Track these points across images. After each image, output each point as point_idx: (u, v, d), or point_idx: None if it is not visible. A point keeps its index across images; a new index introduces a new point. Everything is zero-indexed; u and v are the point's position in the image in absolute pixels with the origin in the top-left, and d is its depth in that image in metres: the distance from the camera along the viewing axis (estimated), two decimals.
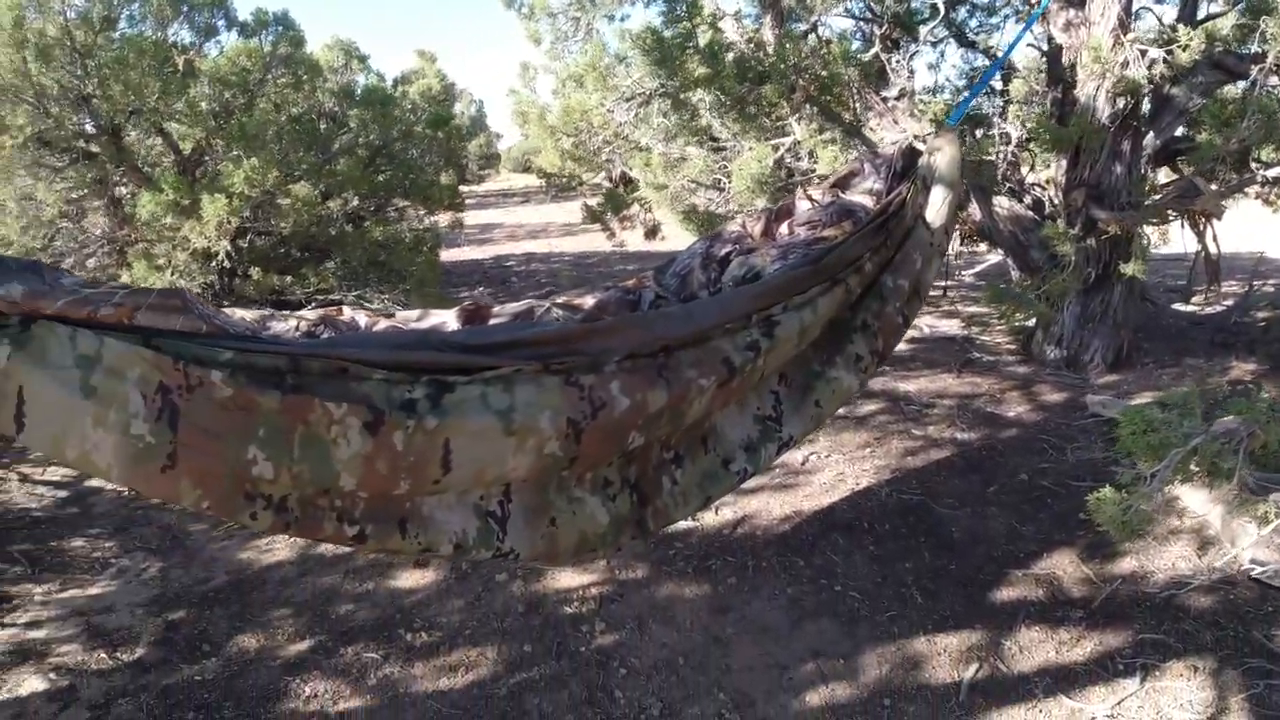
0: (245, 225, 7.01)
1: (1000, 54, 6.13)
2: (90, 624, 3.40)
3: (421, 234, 8.17)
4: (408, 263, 7.50)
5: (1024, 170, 5.92)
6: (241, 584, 3.60)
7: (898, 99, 5.48)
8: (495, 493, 2.28)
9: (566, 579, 3.42)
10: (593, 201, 8.31)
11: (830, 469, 4.24)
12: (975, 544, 3.56)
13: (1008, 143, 5.59)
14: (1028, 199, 5.54)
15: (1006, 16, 7.19)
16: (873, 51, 5.53)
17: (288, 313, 2.41)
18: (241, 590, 3.55)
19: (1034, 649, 2.98)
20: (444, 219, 9.18)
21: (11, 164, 7.30)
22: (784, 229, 2.94)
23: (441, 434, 2.02)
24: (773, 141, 5.28)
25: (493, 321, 2.54)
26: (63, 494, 4.75)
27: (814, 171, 5.36)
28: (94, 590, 3.67)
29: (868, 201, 3.02)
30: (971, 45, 7.10)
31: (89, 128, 7.39)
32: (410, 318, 2.53)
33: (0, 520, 4.39)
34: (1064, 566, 3.41)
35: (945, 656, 2.97)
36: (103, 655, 3.18)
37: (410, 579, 3.51)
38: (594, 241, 13.07)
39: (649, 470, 2.53)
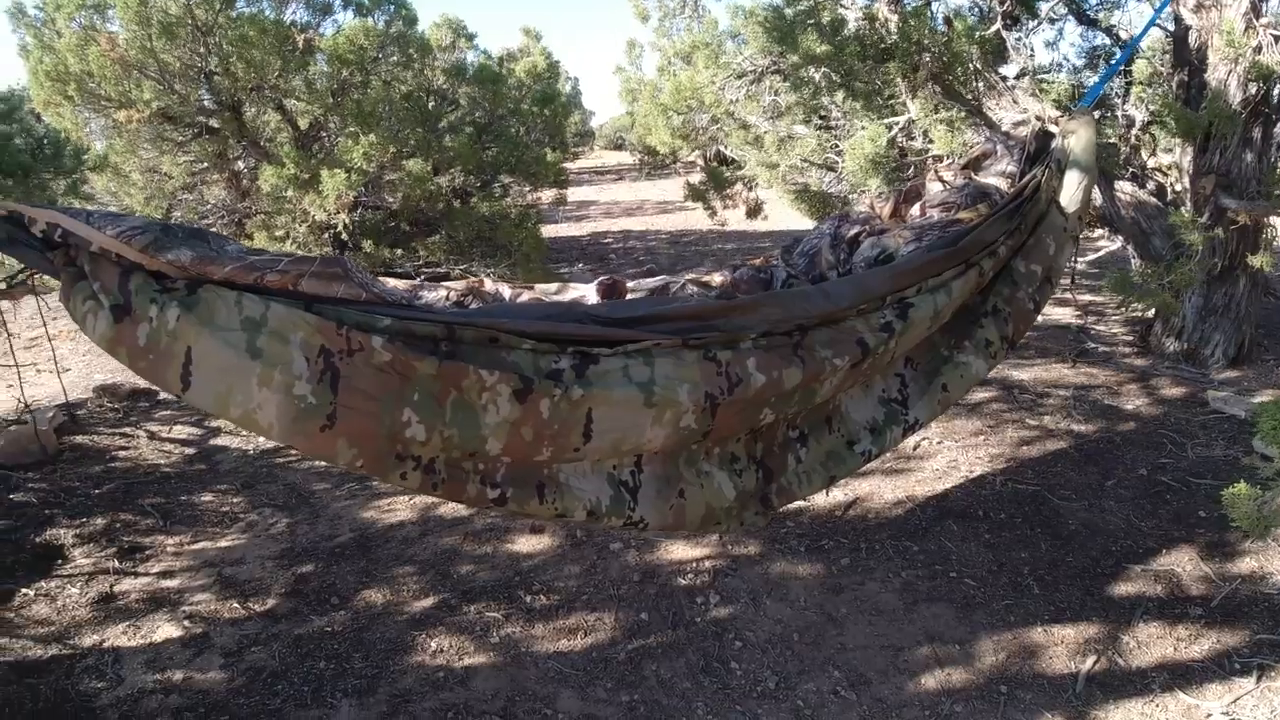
0: (358, 200, 7.22)
1: (1125, 34, 5.93)
2: (221, 575, 3.59)
3: (526, 210, 8.29)
4: (513, 238, 7.63)
5: (1144, 155, 5.72)
6: (366, 541, 3.75)
7: (1018, 78, 5.35)
8: (628, 463, 2.35)
9: (680, 551, 3.48)
10: (694, 179, 8.31)
11: (943, 455, 4.20)
12: (1092, 537, 3.49)
13: (1130, 126, 5.41)
14: (1150, 185, 5.35)
15: None
16: (993, 29, 5.40)
17: (437, 282, 2.49)
18: (366, 547, 3.70)
19: (1151, 644, 2.93)
20: (547, 195, 9.30)
21: (137, 137, 7.66)
22: (915, 210, 2.92)
23: (585, 404, 2.08)
24: (886, 120, 5.21)
25: (630, 297, 2.60)
26: (189, 451, 5.00)
27: (927, 152, 5.28)
28: (224, 543, 3.87)
29: (1002, 184, 2.98)
30: (1091, 23, 6.86)
31: (209, 103, 7.69)
32: (550, 290, 2.60)
33: (131, 475, 4.65)
34: (1183, 564, 3.33)
35: (1062, 647, 2.94)
36: (235, 605, 3.36)
37: (527, 544, 3.61)
38: (689, 220, 13.07)
39: (774, 448, 2.57)
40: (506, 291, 2.51)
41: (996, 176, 3.01)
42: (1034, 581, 3.25)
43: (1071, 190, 2.92)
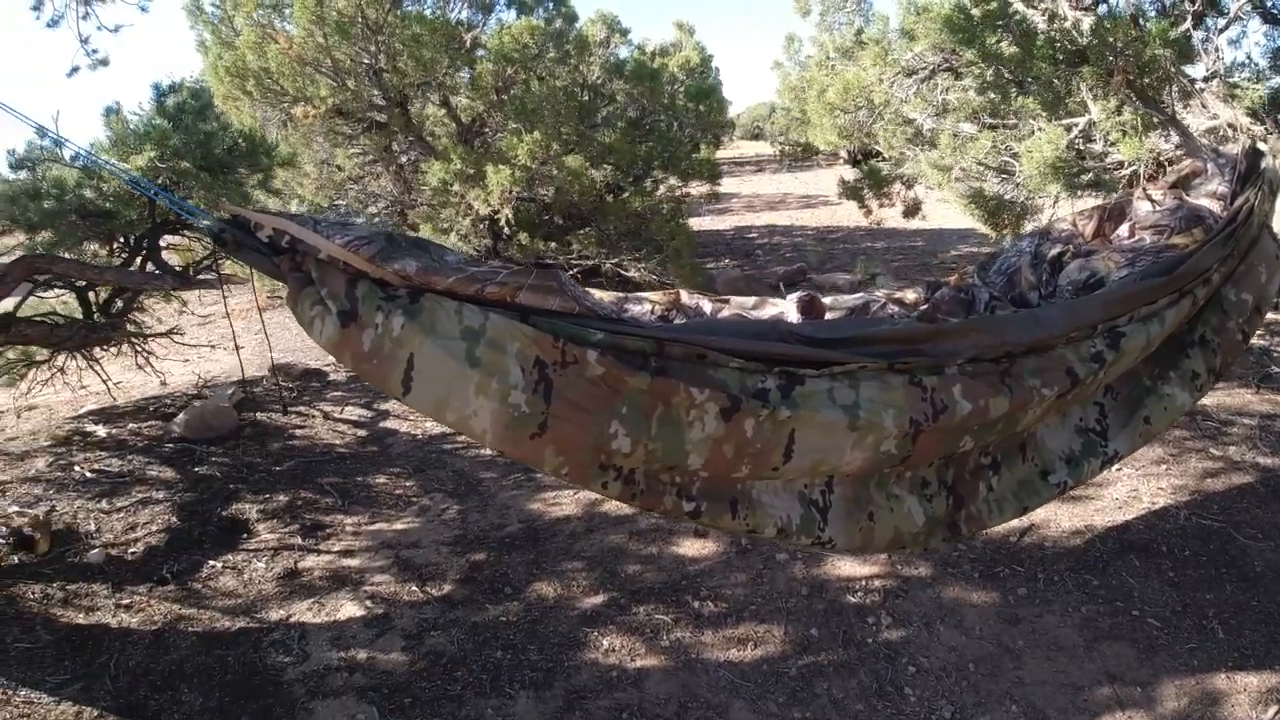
0: (517, 194, 7.40)
1: None
2: (399, 557, 3.76)
3: (677, 205, 8.32)
4: (665, 233, 7.68)
5: None
6: (534, 533, 3.86)
7: (1206, 80, 5.03)
8: (819, 482, 2.34)
9: (848, 567, 3.45)
10: (843, 174, 8.16)
11: (1123, 484, 4.01)
12: (1279, 580, 3.29)
13: None
14: None
15: None
16: (1182, 28, 5.09)
17: (640, 294, 2.54)
18: (535, 539, 3.81)
19: None
20: (698, 190, 9.32)
21: (311, 131, 8.05)
22: (1124, 230, 2.79)
23: (789, 424, 2.09)
24: (1064, 121, 4.98)
25: (829, 315, 2.58)
26: (362, 433, 5.25)
27: (1107, 156, 5.03)
28: (399, 525, 4.05)
29: (1214, 206, 2.81)
30: (1276, 22, 6.38)
31: (379, 99, 8.01)
32: (747, 305, 2.61)
33: (309, 454, 4.91)
34: None
35: (1245, 695, 2.79)
36: (413, 588, 3.51)
37: (693, 547, 3.65)
38: (836, 215, 12.83)
39: (966, 474, 2.51)
40: (707, 306, 2.53)
41: (1207, 198, 2.84)
42: (1219, 625, 3.08)
43: None
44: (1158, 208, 2.82)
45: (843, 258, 10.09)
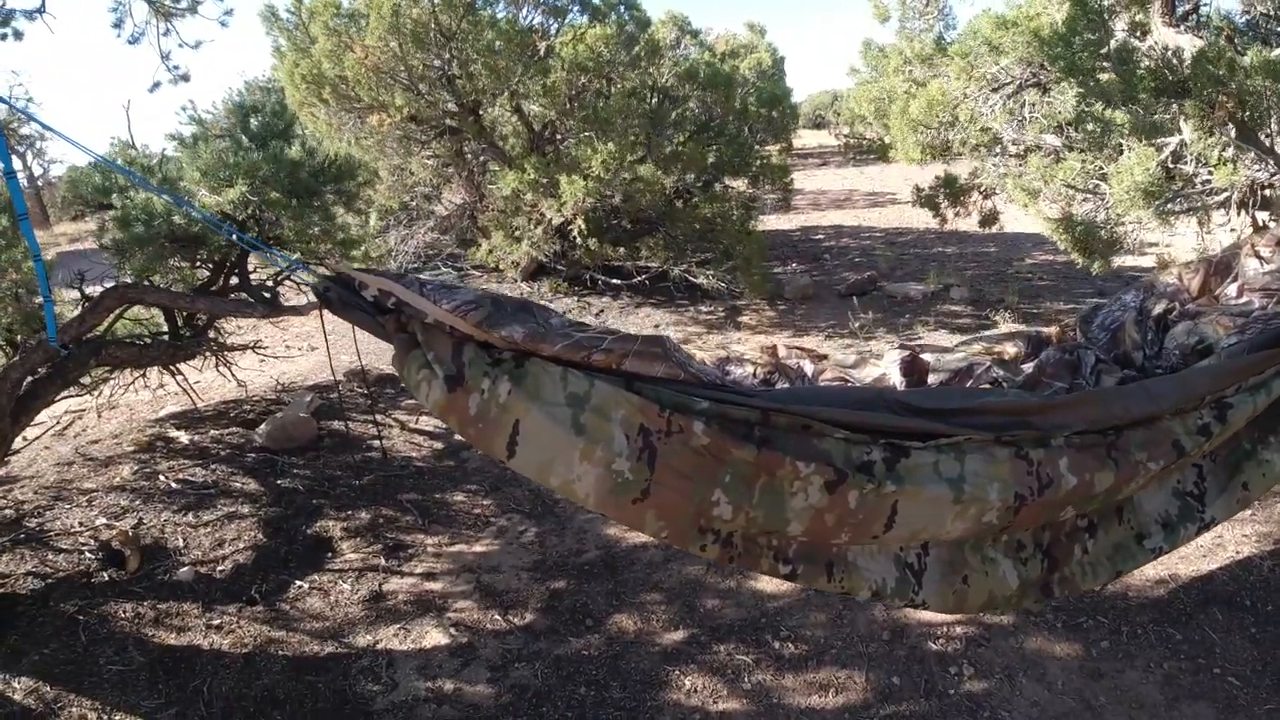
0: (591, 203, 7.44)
1: None
2: (480, 582, 3.81)
3: (748, 210, 8.29)
4: (735, 240, 7.67)
5: None
6: (612, 560, 3.89)
7: None
8: (914, 545, 2.34)
9: (929, 613, 3.42)
10: (922, 179, 8.03)
11: (1207, 531, 3.92)
12: None
13: None
14: None
15: None
16: (1277, 52, 4.92)
17: (741, 352, 2.55)
18: (613, 567, 3.85)
19: None
20: (769, 196, 9.29)
21: (386, 138, 8.18)
22: (1232, 290, 2.72)
23: (893, 497, 2.10)
24: (1156, 141, 4.84)
25: (931, 377, 2.57)
26: (438, 445, 5.33)
27: (1195, 178, 4.89)
28: (479, 548, 4.11)
29: None
30: None
31: (451, 106, 8.10)
32: (847, 364, 2.60)
33: (390, 468, 5.00)
34: None
35: None
36: (496, 616, 3.57)
37: (770, 583, 3.64)
38: (904, 215, 12.64)
39: (1061, 536, 2.48)
40: (809, 368, 2.53)
41: None
42: None
43: None
44: (1266, 265, 2.75)
45: (913, 264, 9.96)
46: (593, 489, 2.08)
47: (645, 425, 2.07)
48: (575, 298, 8.81)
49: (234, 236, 2.78)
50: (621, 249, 8.01)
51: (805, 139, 29.26)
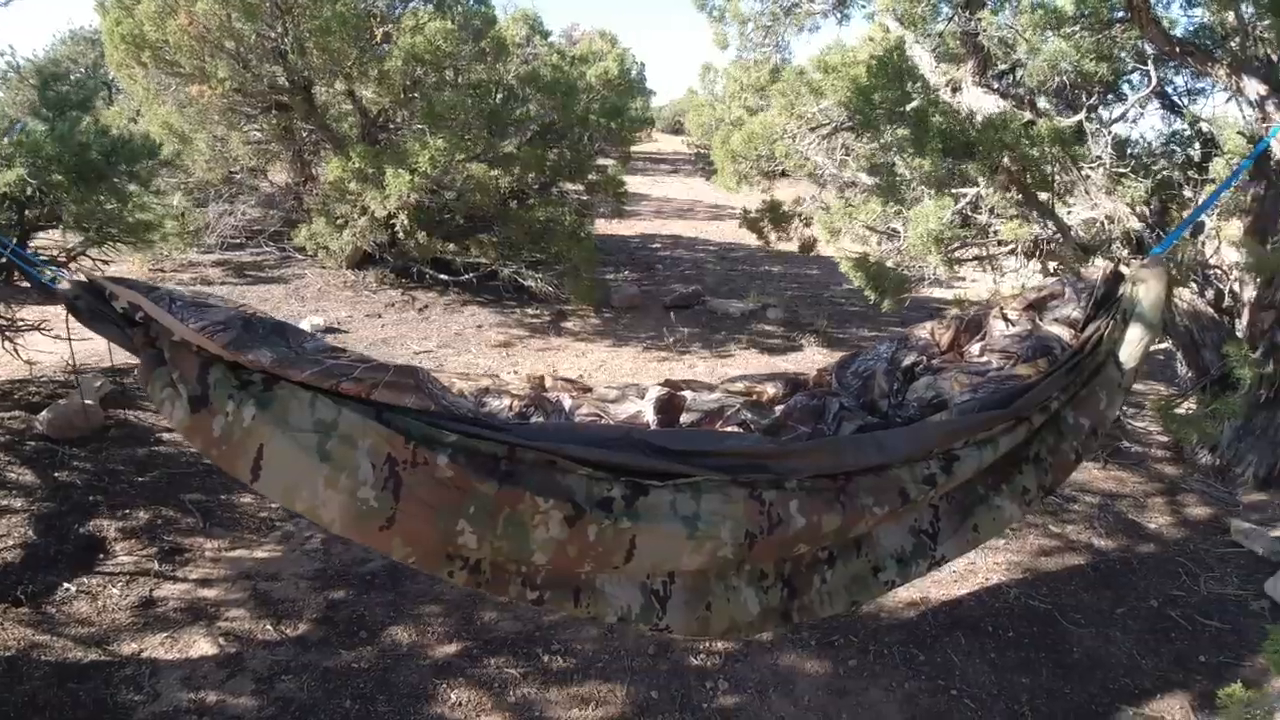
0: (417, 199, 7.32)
1: (1206, 126, 5.87)
2: (257, 590, 3.72)
3: (580, 219, 8.35)
4: (567, 246, 7.72)
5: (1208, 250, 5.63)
6: (396, 571, 3.86)
7: (1092, 165, 5.29)
8: (660, 574, 2.45)
9: None
10: (750, 204, 8.34)
11: (963, 556, 4.23)
12: (1094, 669, 3.52)
13: (1199, 232, 5.38)
14: (1210, 292, 5.34)
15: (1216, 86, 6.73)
16: (1076, 118, 5.36)
17: (506, 382, 2.59)
18: (396, 578, 3.82)
19: None
20: (604, 207, 9.37)
21: (209, 108, 7.79)
22: (975, 349, 2.95)
23: (630, 532, 2.21)
24: (954, 191, 5.20)
25: (685, 417, 2.68)
26: None
27: (990, 227, 5.28)
28: (260, 554, 4.01)
29: (1064, 334, 2.93)
30: (1173, 109, 6.74)
31: (282, 81, 7.78)
32: (608, 397, 2.69)
33: (173, 464, 4.77)
34: (1174, 712, 3.31)
35: None
36: (268, 626, 3.49)
37: None
38: (740, 231, 12.91)
39: (802, 567, 2.63)
40: (567, 401, 2.60)
41: (1060, 325, 2.94)
42: (1029, 710, 3.24)
43: (1132, 345, 2.83)
44: (1010, 328, 2.97)
45: (740, 281, 10.29)
46: (338, 515, 2.12)
47: (392, 455, 2.11)
48: (400, 290, 8.67)
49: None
50: (453, 245, 7.94)
51: (662, 144, 29.55)
